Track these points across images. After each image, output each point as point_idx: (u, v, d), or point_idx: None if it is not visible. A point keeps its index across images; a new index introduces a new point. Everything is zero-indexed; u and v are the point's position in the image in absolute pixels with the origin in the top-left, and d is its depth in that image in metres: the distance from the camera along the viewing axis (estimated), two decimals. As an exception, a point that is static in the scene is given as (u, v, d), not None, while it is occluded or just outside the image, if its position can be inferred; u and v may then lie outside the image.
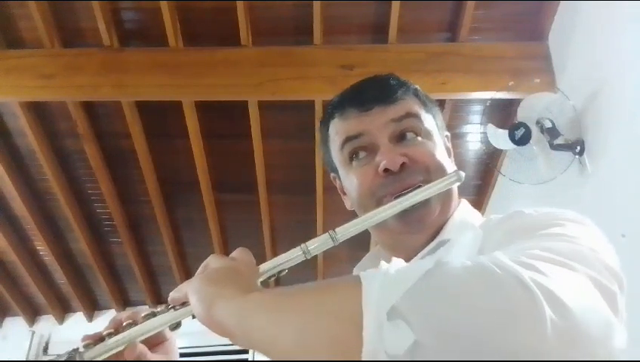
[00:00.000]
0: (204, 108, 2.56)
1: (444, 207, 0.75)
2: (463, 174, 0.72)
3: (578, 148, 1.98)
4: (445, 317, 0.42)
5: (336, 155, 0.81)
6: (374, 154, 0.75)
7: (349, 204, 0.83)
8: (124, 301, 3.70)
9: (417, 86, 0.82)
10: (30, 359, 3.59)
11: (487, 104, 2.22)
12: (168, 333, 0.73)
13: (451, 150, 0.84)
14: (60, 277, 3.41)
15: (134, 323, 0.66)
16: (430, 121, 0.79)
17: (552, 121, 2.02)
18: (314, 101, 2.41)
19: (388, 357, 0.41)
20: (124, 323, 0.66)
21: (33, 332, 3.70)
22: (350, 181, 0.79)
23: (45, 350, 3.66)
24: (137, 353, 0.65)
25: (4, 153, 2.72)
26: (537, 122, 2.04)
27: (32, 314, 3.74)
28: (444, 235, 0.74)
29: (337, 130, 0.80)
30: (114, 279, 3.53)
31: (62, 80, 2.28)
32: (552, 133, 2.01)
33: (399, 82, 0.80)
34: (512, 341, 0.40)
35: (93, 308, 3.75)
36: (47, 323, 3.75)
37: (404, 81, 0.81)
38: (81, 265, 3.40)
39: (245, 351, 3.50)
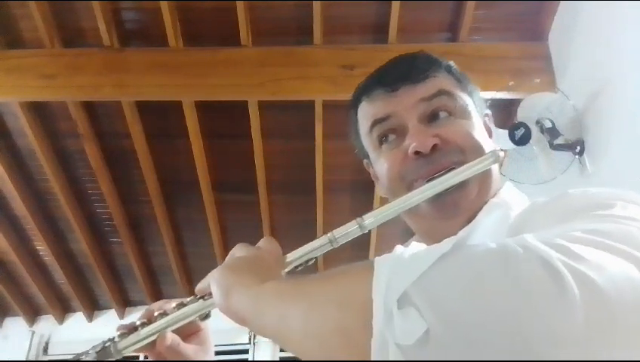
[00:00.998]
0: (204, 108, 2.56)
1: (482, 190, 0.69)
2: (501, 154, 0.67)
3: (578, 148, 1.98)
4: (458, 303, 0.38)
5: (366, 140, 0.77)
6: (404, 137, 0.70)
7: (381, 190, 0.78)
8: (124, 301, 3.70)
9: (451, 62, 0.76)
10: (30, 359, 3.59)
11: (487, 104, 2.21)
12: (203, 324, 0.72)
13: (492, 130, 0.78)
14: (60, 277, 3.41)
15: (165, 314, 0.66)
16: (466, 98, 0.74)
17: (552, 121, 2.02)
18: (314, 101, 2.42)
19: (397, 348, 0.38)
20: (156, 314, 0.66)
21: (33, 332, 3.70)
22: (380, 166, 0.73)
23: (45, 350, 3.65)
24: (169, 342, 0.65)
25: (4, 153, 2.72)
26: (537, 122, 2.04)
27: (32, 314, 3.74)
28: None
29: (365, 113, 0.75)
30: (114, 279, 3.52)
31: (62, 80, 2.28)
32: (552, 133, 2.01)
33: (429, 59, 0.75)
34: (535, 328, 0.36)
35: (93, 308, 3.75)
36: (47, 323, 3.74)
37: (435, 57, 0.75)
38: (81, 265, 3.40)
39: (245, 351, 3.50)
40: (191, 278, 3.43)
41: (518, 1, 2.26)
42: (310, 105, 2.44)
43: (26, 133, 2.59)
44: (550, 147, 2.01)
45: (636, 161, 1.73)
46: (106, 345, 0.66)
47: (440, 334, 0.37)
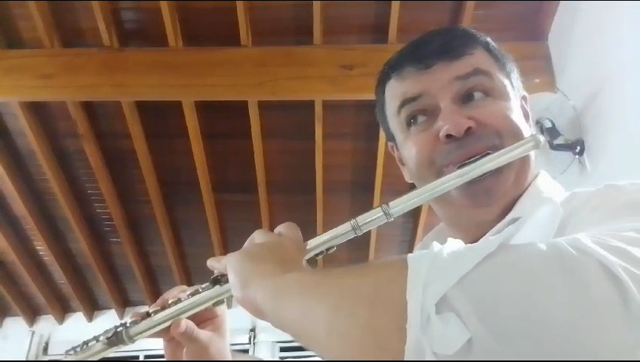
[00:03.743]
0: (204, 108, 2.56)
1: (518, 178, 0.64)
2: (542, 139, 0.61)
3: (578, 148, 1.98)
4: (508, 310, 0.34)
5: (393, 121, 0.72)
6: (435, 118, 0.65)
7: (407, 175, 0.73)
8: (124, 301, 3.70)
9: (489, 38, 0.71)
10: (30, 359, 3.59)
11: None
12: (219, 309, 0.71)
13: (529, 113, 0.73)
14: (60, 277, 3.41)
15: (179, 301, 0.65)
16: (504, 79, 0.69)
17: (551, 121, 2.02)
18: (314, 101, 2.42)
19: (435, 357, 0.34)
20: (170, 301, 0.65)
21: (33, 332, 3.70)
22: (408, 149, 0.68)
23: (45, 350, 3.65)
24: (183, 329, 0.64)
25: (4, 153, 2.72)
26: (537, 122, 2.04)
27: (32, 314, 3.74)
28: (518, 211, 0.62)
29: (393, 92, 0.70)
30: (114, 279, 3.52)
31: (62, 80, 2.28)
32: (551, 133, 2.01)
33: (466, 34, 0.70)
34: (598, 341, 0.33)
35: (93, 308, 3.74)
36: (47, 323, 3.74)
37: (472, 32, 0.70)
38: (81, 265, 3.40)
39: (245, 352, 3.50)
40: (190, 278, 3.43)
41: (517, 1, 2.26)
42: (310, 105, 2.44)
43: (26, 133, 2.59)
44: (550, 147, 2.01)
45: (636, 160, 1.73)
46: (118, 330, 0.64)
47: (485, 344, 0.34)
